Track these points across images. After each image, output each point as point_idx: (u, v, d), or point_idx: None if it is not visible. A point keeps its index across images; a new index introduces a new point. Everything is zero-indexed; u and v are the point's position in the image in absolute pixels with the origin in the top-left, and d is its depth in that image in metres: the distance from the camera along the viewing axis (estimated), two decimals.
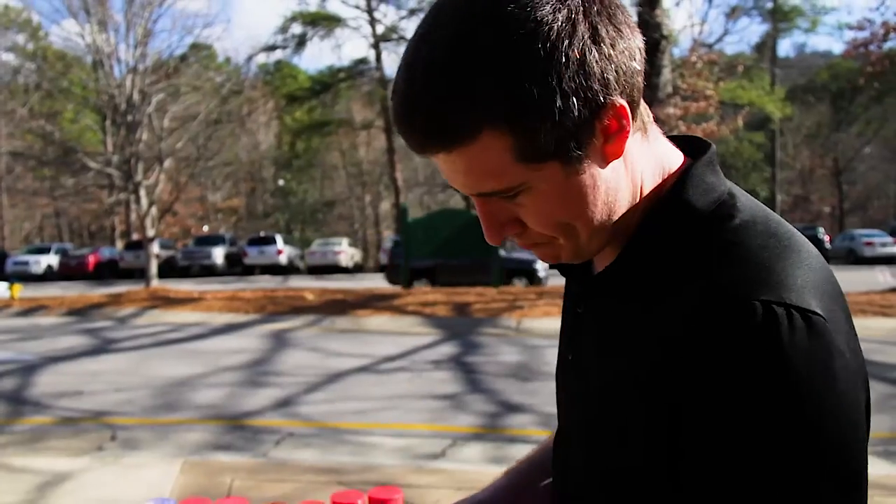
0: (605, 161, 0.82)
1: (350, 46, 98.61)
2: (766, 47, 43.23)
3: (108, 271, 29.53)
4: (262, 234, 35.47)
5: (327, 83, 39.83)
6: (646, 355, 0.80)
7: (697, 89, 17.04)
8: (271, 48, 38.07)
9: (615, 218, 0.85)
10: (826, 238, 31.08)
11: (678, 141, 0.94)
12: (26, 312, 15.96)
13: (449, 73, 0.76)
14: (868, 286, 17.20)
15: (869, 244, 30.66)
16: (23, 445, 6.09)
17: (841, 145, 47.78)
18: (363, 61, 39.35)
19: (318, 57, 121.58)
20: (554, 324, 12.42)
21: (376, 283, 21.38)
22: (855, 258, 29.85)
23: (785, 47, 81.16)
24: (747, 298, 0.75)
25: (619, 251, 0.88)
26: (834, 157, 48.30)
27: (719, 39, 36.54)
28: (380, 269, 31.85)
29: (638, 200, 0.86)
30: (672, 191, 0.86)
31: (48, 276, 28.76)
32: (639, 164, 0.86)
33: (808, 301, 0.75)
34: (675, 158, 0.90)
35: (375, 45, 37.80)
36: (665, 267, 0.83)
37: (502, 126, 0.77)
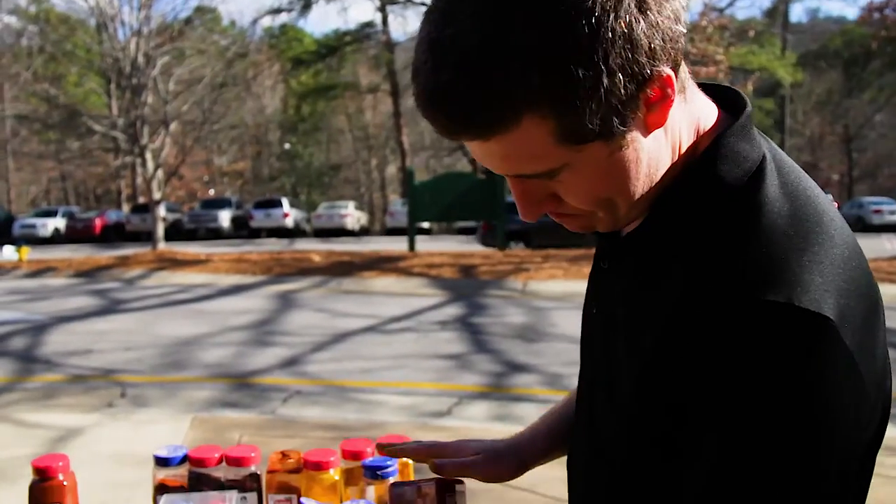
0: (647, 131, 0.78)
1: (356, 9, 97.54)
2: (777, 12, 42.73)
3: (114, 234, 29.60)
4: (268, 197, 35.46)
5: (333, 46, 39.51)
6: (651, 331, 0.79)
7: (707, 54, 16.92)
8: (276, 11, 37.71)
9: (653, 186, 0.81)
10: (835, 205, 30.89)
11: (712, 90, 0.89)
12: (35, 274, 16.04)
13: (483, 56, 0.69)
14: (876, 253, 17.17)
15: (877, 212, 30.56)
16: (35, 402, 6.17)
17: (852, 112, 47.36)
18: (369, 24, 39.01)
19: (323, 20, 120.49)
20: (559, 286, 12.45)
21: (382, 245, 21.42)
22: (863, 226, 29.73)
23: (797, 12, 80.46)
24: (755, 296, 0.71)
25: (647, 215, 0.85)
26: (844, 124, 47.89)
27: (730, 4, 36.09)
28: (386, 231, 31.85)
29: (675, 160, 0.82)
30: (702, 160, 0.82)
31: (55, 239, 28.85)
32: (678, 127, 0.82)
33: (821, 302, 0.71)
34: (709, 115, 0.85)
35: (382, 9, 37.44)
36: (684, 242, 0.80)
37: (544, 110, 0.71)
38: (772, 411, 0.70)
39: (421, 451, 1.14)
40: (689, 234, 0.80)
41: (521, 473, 1.14)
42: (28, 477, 1.70)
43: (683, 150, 0.83)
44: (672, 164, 0.82)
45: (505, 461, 1.13)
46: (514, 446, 1.14)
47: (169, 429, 5.21)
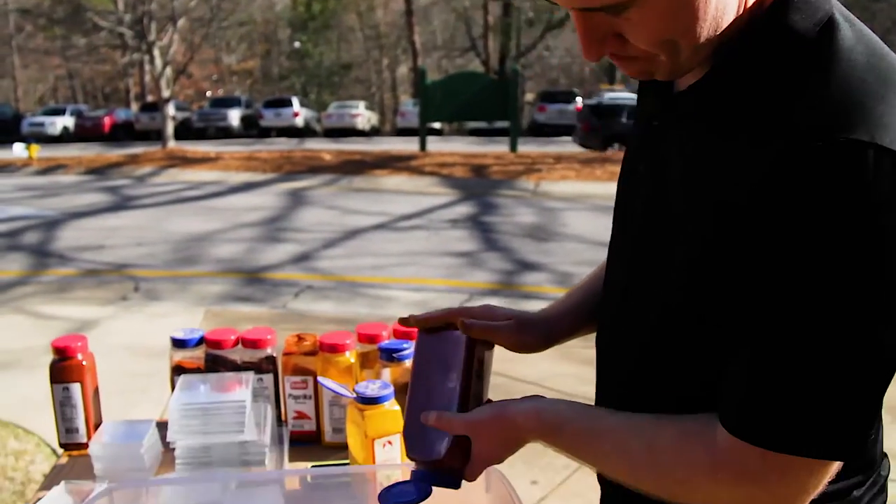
0: None
1: None
2: None
3: (123, 133, 29.39)
4: (278, 96, 35.04)
5: None
6: (723, 179, 0.77)
7: None
8: None
9: (719, 33, 0.79)
10: None
11: None
12: (45, 171, 16.02)
13: None
14: None
15: None
16: (50, 295, 6.23)
17: (879, 16, 45.98)
18: None
19: None
20: (571, 187, 12.38)
21: (393, 145, 21.25)
22: None
23: None
24: (837, 136, 0.70)
25: (707, 69, 0.82)
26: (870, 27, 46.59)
27: None
28: (396, 132, 31.58)
29: (741, 11, 0.79)
30: (771, 11, 0.79)
31: (64, 137, 28.67)
32: None
33: None
34: None
35: None
36: (754, 94, 0.78)
37: None
38: (861, 247, 0.70)
39: (446, 317, 1.09)
40: (762, 83, 0.78)
41: (547, 347, 1.13)
42: (46, 366, 1.71)
43: (750, 1, 0.80)
44: (738, 15, 0.79)
45: (533, 331, 1.11)
46: (542, 319, 1.13)
47: (182, 321, 5.27)
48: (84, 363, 1.70)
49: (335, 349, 1.62)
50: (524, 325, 1.10)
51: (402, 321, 1.12)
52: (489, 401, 1.05)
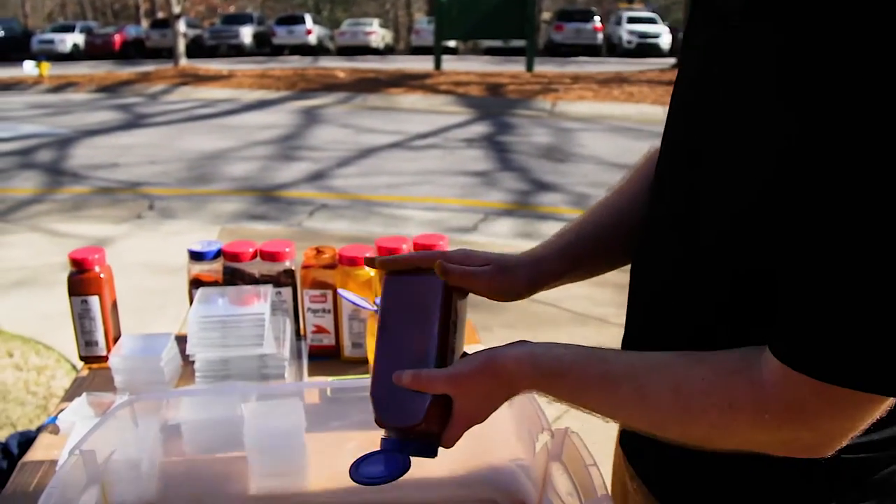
0: None
1: None
2: None
3: (134, 50, 29.03)
4: (290, 13, 34.43)
5: None
6: (819, 74, 0.66)
7: None
8: None
9: None
10: None
11: None
12: (57, 89, 15.91)
13: None
14: None
15: None
16: (65, 213, 6.24)
17: None
18: None
19: None
20: (588, 108, 12.20)
21: (407, 64, 20.94)
22: None
23: None
24: None
25: None
26: None
27: None
28: (411, 50, 31.07)
29: None
30: None
31: (74, 55, 28.35)
32: None
33: None
34: None
35: None
36: None
37: None
38: None
39: (417, 260, 0.98)
40: None
41: (530, 294, 1.01)
42: (64, 283, 1.69)
43: None
44: None
45: (514, 276, 0.99)
46: (525, 262, 1.01)
47: (197, 239, 5.26)
48: (102, 276, 1.68)
49: (354, 262, 1.59)
50: (504, 270, 0.99)
51: (367, 262, 1.01)
52: (465, 354, 0.94)
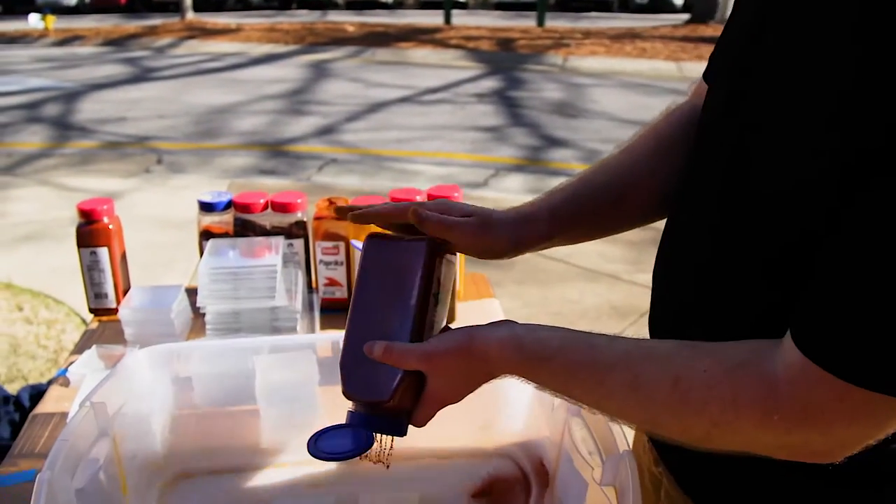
0: None
1: None
2: None
3: (140, 4, 28.77)
4: None
5: None
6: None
7: None
8: None
9: None
10: None
11: None
12: (62, 42, 15.78)
13: None
14: None
15: None
16: (73, 167, 6.21)
17: None
18: None
19: None
20: (600, 63, 12.05)
21: (417, 18, 20.71)
22: None
23: None
24: None
25: None
26: None
27: None
28: (420, 5, 30.70)
29: None
30: None
31: (80, 8, 28.10)
32: None
33: None
34: None
35: None
36: None
37: None
38: None
39: (395, 212, 0.90)
40: None
41: (514, 254, 0.93)
42: (72, 238, 1.66)
43: None
44: None
45: (496, 233, 0.90)
46: (510, 220, 0.92)
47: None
48: (111, 227, 1.66)
49: None
50: (486, 225, 0.90)
51: (339, 212, 0.95)
52: (447, 328, 0.87)
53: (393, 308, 0.83)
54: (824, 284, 0.59)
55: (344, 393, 0.84)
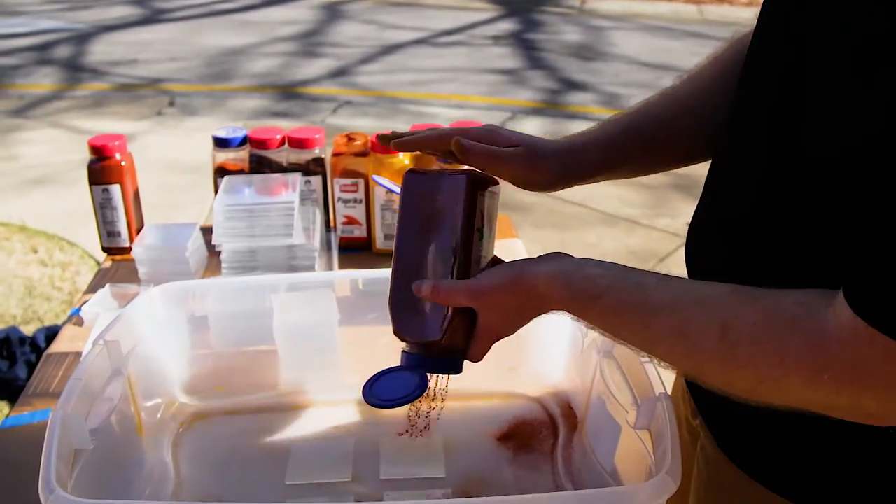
0: None
1: None
2: None
3: None
4: None
5: None
6: None
7: None
8: None
9: None
10: None
11: None
12: None
13: None
14: None
15: None
16: (85, 109, 6.15)
17: None
18: None
19: None
20: (620, 6, 11.79)
21: None
22: None
23: None
24: None
25: None
26: None
27: None
28: None
29: None
30: None
31: None
32: None
33: None
34: None
35: None
36: None
37: None
38: None
39: (439, 139, 0.85)
40: None
41: (562, 186, 0.89)
42: (85, 181, 1.62)
43: None
44: None
45: (545, 164, 0.87)
46: (560, 151, 0.88)
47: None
48: (123, 163, 1.61)
49: (388, 149, 1.50)
50: (534, 155, 0.86)
51: (381, 139, 0.91)
52: (496, 260, 0.86)
53: (437, 246, 0.81)
54: (878, 242, 0.55)
55: (395, 333, 0.83)
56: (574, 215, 4.04)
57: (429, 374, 0.83)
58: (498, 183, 0.87)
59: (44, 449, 0.77)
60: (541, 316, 0.79)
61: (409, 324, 0.82)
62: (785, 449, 0.76)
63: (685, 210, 3.93)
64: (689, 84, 0.92)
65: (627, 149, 0.90)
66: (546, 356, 1.19)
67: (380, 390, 0.81)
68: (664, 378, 0.89)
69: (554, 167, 0.87)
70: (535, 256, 0.78)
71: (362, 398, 0.82)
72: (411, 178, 0.84)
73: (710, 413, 0.86)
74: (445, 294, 0.78)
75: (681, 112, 0.91)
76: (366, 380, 0.84)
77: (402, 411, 1.16)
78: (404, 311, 0.82)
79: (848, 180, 0.61)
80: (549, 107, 6.32)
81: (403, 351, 0.84)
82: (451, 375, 0.84)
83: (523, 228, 3.77)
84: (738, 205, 0.76)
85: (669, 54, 7.27)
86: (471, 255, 0.81)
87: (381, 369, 0.84)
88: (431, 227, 0.81)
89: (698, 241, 0.84)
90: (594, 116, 5.88)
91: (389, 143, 0.89)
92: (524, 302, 0.77)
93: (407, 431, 1.05)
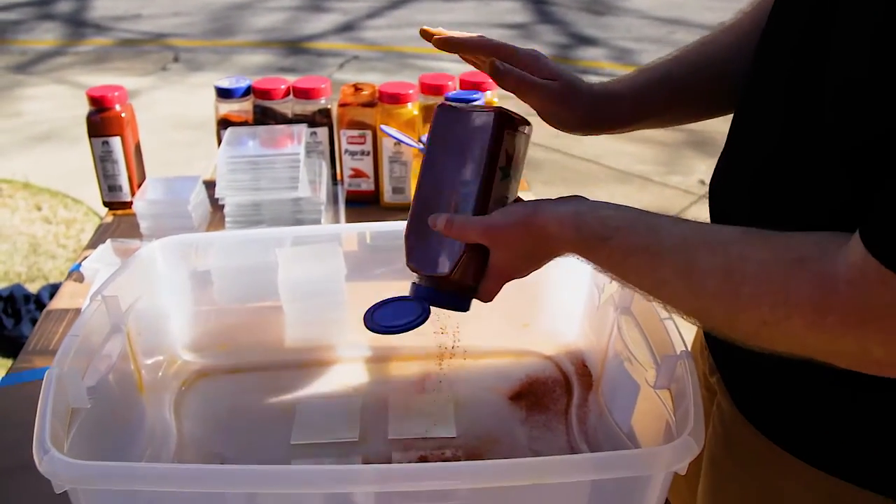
0: None
1: None
2: None
3: None
4: None
5: None
6: None
7: None
8: None
9: None
10: None
11: None
12: None
13: None
14: None
15: None
16: (88, 65, 6.09)
17: None
18: None
19: None
20: None
21: None
22: None
23: None
24: None
25: None
26: None
27: None
28: None
29: None
30: None
31: None
32: None
33: None
34: None
35: None
36: None
37: None
38: None
39: (484, 45, 0.85)
40: None
41: (589, 131, 0.88)
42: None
43: None
44: None
45: (579, 103, 0.85)
46: (595, 93, 0.86)
47: None
48: (123, 115, 1.57)
49: (397, 99, 1.45)
50: (571, 91, 0.84)
51: (423, 34, 0.90)
52: (518, 199, 0.83)
53: (458, 181, 0.80)
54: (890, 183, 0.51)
55: (407, 265, 0.82)
56: (586, 172, 3.98)
57: (433, 308, 0.82)
58: (530, 124, 0.83)
59: (38, 408, 0.74)
60: (555, 259, 0.77)
61: (422, 256, 0.81)
62: (804, 411, 0.72)
63: (698, 167, 3.88)
64: (729, 31, 0.89)
65: (660, 101, 0.88)
66: (560, 312, 1.15)
67: (381, 317, 0.81)
68: (686, 335, 0.85)
69: (587, 109, 0.86)
70: (554, 198, 0.75)
71: (369, 339, 0.80)
72: (442, 111, 0.83)
73: (729, 370, 0.82)
74: (459, 228, 0.77)
75: (711, 59, 0.88)
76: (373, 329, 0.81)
77: (412, 370, 1.13)
78: (419, 242, 0.81)
79: (879, 107, 0.56)
80: (560, 62, 6.16)
81: (413, 283, 0.83)
82: (460, 332, 0.83)
83: (535, 185, 3.71)
84: (764, 149, 0.72)
85: (681, 9, 7.14)
86: (490, 193, 0.79)
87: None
88: (454, 161, 0.80)
89: (724, 196, 0.79)
90: (605, 72, 5.79)
91: (431, 39, 0.89)
92: (534, 243, 0.75)
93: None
